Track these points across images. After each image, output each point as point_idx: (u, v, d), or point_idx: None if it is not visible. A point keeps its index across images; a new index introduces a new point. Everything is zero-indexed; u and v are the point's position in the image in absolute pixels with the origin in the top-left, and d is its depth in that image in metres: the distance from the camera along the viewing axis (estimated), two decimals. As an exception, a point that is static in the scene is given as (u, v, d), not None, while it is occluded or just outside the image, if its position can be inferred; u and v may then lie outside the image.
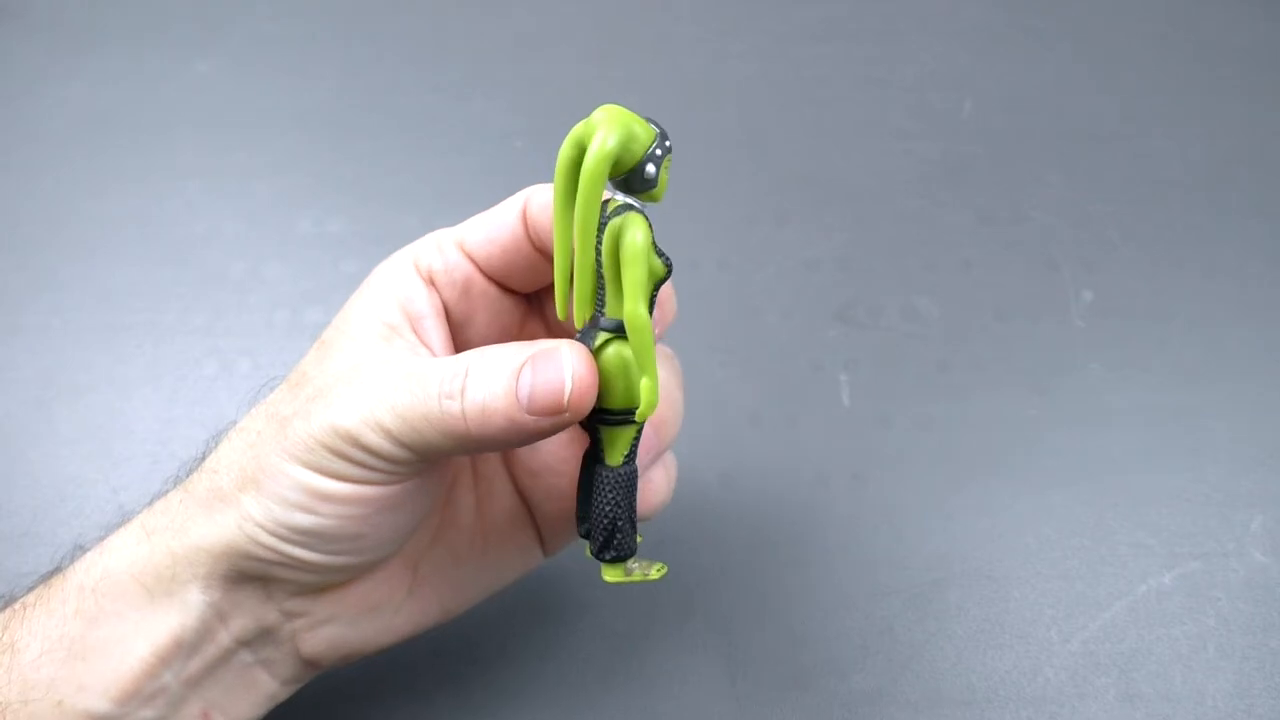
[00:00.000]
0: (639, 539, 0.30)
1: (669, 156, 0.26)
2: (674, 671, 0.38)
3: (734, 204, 0.52)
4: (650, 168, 0.26)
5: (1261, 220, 0.51)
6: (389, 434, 0.27)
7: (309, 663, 0.31)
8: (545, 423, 0.26)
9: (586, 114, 0.26)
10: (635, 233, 0.26)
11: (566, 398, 0.26)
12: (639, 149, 0.26)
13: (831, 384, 0.46)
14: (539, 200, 0.29)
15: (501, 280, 0.31)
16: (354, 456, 0.27)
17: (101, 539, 0.30)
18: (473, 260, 0.30)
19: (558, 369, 0.26)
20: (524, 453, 0.33)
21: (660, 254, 0.27)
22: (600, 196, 0.26)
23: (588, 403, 0.27)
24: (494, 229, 0.30)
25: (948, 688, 0.37)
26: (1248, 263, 0.50)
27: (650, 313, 0.27)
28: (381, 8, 0.61)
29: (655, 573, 0.30)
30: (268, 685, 0.31)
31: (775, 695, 0.37)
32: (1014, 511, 0.42)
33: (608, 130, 0.25)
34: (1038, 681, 0.38)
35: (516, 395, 0.26)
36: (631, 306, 0.26)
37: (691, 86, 0.57)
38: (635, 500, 0.29)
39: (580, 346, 0.27)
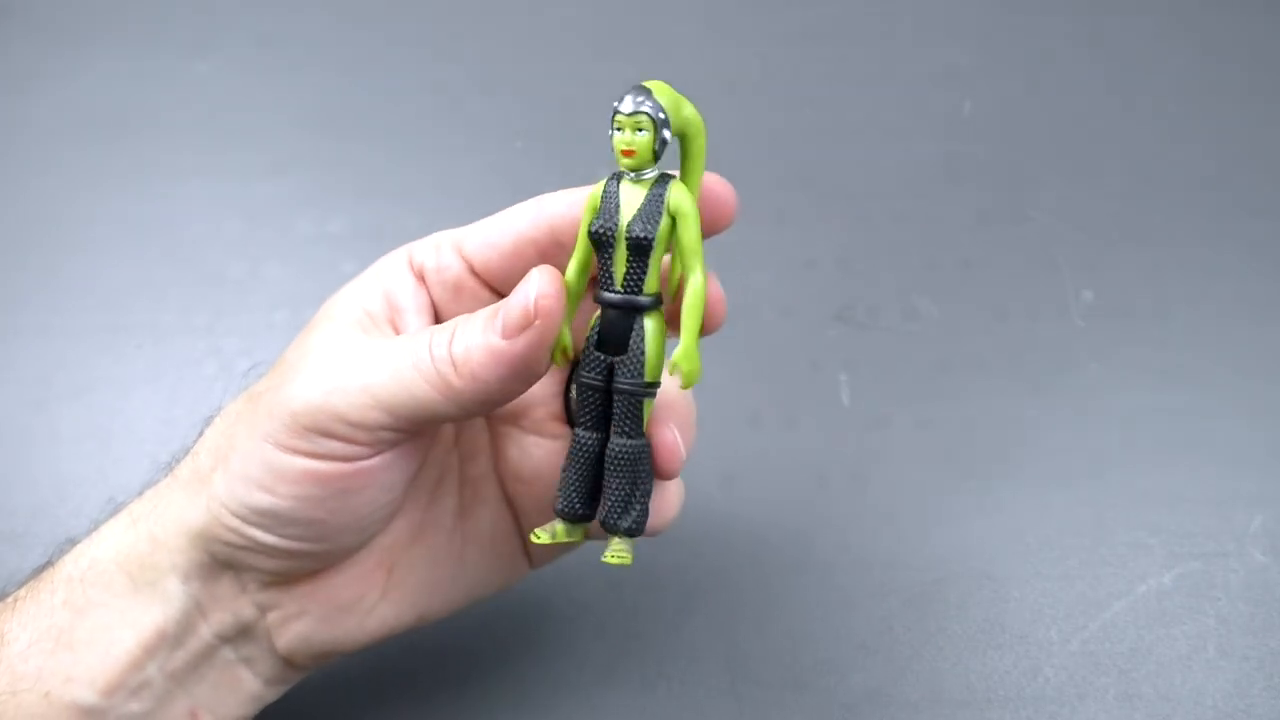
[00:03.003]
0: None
1: (614, 118, 0.27)
2: (674, 672, 0.38)
3: (734, 204, 0.52)
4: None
5: (1261, 220, 0.51)
6: (373, 396, 0.27)
7: (286, 660, 0.31)
8: (519, 343, 0.26)
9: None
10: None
11: (531, 305, 0.26)
12: None
13: (831, 384, 0.46)
14: (554, 207, 0.29)
15: (496, 285, 0.31)
16: (322, 426, 0.27)
17: (92, 529, 0.30)
18: (468, 262, 0.30)
19: (523, 287, 0.27)
20: (515, 458, 0.32)
21: (597, 216, 0.27)
22: None
23: (554, 311, 0.26)
24: (495, 234, 0.30)
25: (948, 688, 0.37)
26: (1248, 263, 0.49)
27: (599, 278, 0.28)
28: (381, 8, 0.61)
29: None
30: (251, 684, 0.31)
31: (775, 695, 0.37)
32: (1014, 511, 0.42)
33: None
34: (1038, 681, 0.38)
35: (493, 326, 0.27)
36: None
37: (691, 86, 0.57)
38: (569, 464, 0.29)
39: (546, 267, 0.27)
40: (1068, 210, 0.52)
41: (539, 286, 0.26)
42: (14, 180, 0.53)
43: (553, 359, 0.28)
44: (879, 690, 0.37)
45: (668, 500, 0.31)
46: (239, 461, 0.28)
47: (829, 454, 0.43)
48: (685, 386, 0.28)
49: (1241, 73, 0.57)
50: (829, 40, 0.59)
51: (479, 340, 0.27)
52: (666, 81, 0.27)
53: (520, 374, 0.27)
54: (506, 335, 0.26)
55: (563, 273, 0.28)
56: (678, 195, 0.27)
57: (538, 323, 0.26)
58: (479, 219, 0.31)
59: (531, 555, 0.34)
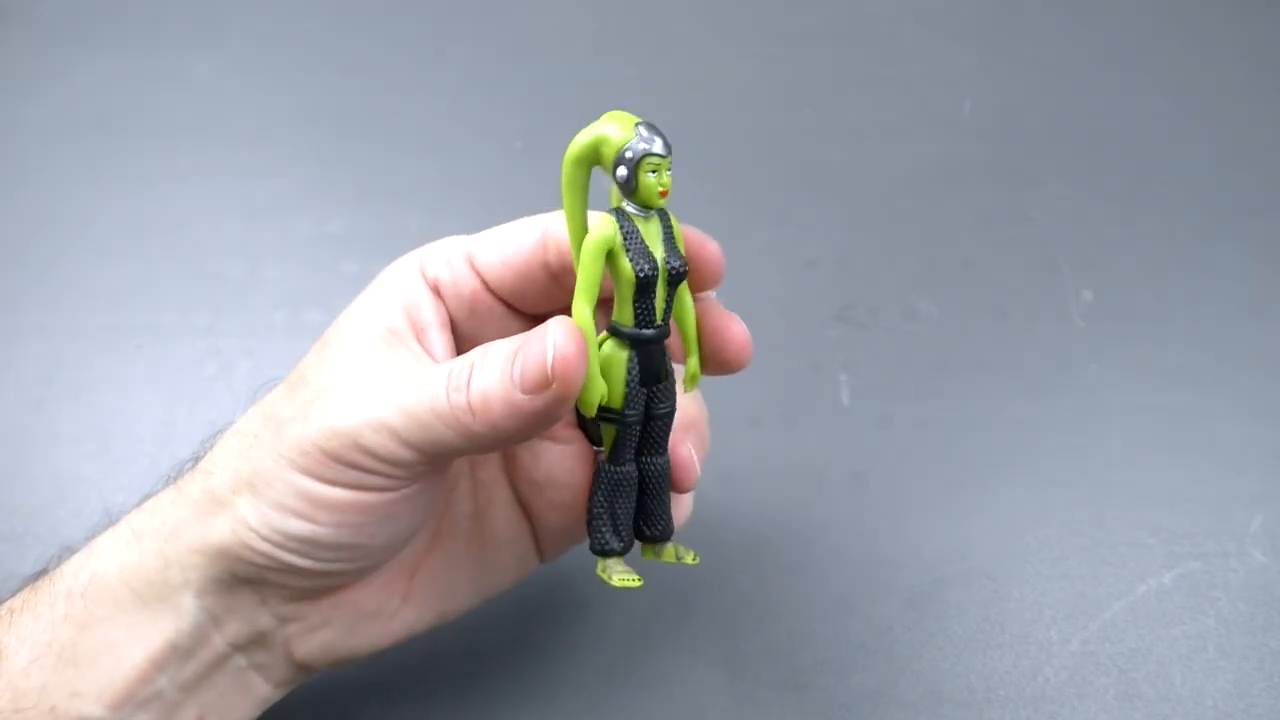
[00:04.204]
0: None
1: (649, 159, 0.26)
2: (674, 671, 0.38)
3: (734, 204, 0.52)
4: (620, 169, 0.26)
5: (1261, 220, 0.51)
6: (395, 434, 0.27)
7: (301, 666, 0.31)
8: (539, 401, 0.26)
9: (586, 114, 0.27)
10: (591, 232, 0.27)
11: (550, 367, 0.26)
12: (610, 150, 0.26)
13: (831, 384, 0.46)
14: (559, 230, 0.29)
15: (511, 301, 0.31)
16: (353, 460, 0.27)
17: (89, 540, 0.30)
18: (481, 278, 0.30)
19: (540, 342, 0.26)
20: (527, 463, 0.32)
21: (638, 258, 0.26)
22: (570, 188, 0.27)
23: (573, 372, 0.26)
24: (508, 251, 0.30)
25: (948, 688, 0.37)
26: (1248, 263, 0.50)
27: (632, 317, 0.27)
28: (381, 8, 0.61)
29: (617, 580, 0.29)
30: (261, 688, 0.31)
31: (775, 695, 0.37)
32: (1014, 511, 0.42)
33: (583, 130, 0.26)
34: (1038, 681, 0.38)
35: (511, 377, 0.26)
36: (573, 305, 0.27)
37: (691, 86, 0.57)
38: (616, 500, 0.29)
39: (566, 320, 0.27)
40: (1068, 210, 0.52)
41: (558, 346, 0.26)
42: (13, 180, 0.53)
43: (587, 412, 0.28)
44: (879, 690, 0.37)
45: (682, 509, 0.32)
46: (269, 490, 0.27)
47: (829, 454, 0.43)
48: (690, 390, 0.30)
49: (1241, 73, 0.57)
50: (829, 40, 0.59)
51: (498, 390, 0.26)
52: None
53: (540, 425, 0.27)
54: (526, 391, 0.26)
55: (568, 312, 0.27)
56: (679, 226, 0.28)
57: (555, 385, 0.26)
58: (480, 220, 0.31)
59: (542, 549, 0.34)
